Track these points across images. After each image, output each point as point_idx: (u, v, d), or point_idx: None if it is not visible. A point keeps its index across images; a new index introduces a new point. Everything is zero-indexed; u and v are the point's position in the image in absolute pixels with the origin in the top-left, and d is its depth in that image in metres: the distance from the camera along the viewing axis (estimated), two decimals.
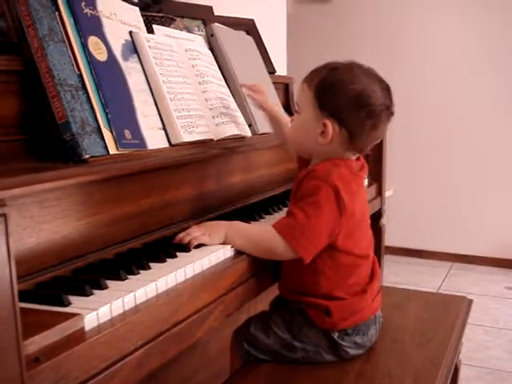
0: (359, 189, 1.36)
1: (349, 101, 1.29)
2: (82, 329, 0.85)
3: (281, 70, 3.09)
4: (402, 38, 4.23)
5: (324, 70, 1.34)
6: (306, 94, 1.34)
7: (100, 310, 0.88)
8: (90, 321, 0.86)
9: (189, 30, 2.01)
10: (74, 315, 0.84)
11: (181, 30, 1.92)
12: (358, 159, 1.40)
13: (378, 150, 2.27)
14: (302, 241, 1.25)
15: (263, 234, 1.29)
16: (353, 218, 1.30)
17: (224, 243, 1.26)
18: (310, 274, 1.32)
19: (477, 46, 4.04)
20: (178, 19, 1.96)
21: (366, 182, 1.46)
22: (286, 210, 1.63)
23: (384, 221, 2.36)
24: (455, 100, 4.13)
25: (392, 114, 1.35)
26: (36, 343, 0.77)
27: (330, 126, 1.30)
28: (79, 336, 0.83)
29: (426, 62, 4.17)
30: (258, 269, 1.29)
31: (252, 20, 2.35)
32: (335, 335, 1.33)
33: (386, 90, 1.34)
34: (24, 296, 0.90)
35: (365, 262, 1.38)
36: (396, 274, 3.83)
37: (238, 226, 1.32)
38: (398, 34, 4.23)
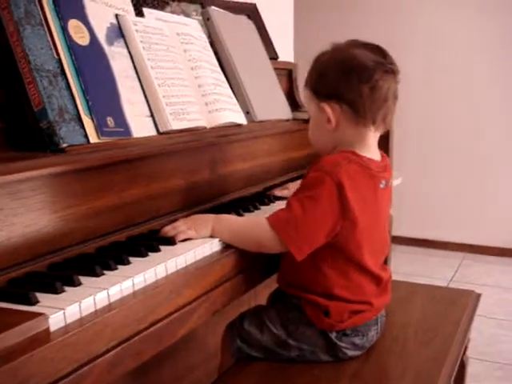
0: (373, 194, 1.24)
1: (336, 73, 1.24)
2: (47, 329, 0.79)
3: (288, 56, 3.02)
4: (415, 25, 4.11)
5: (312, 66, 1.32)
6: (307, 95, 1.32)
7: (67, 308, 0.82)
8: (56, 321, 0.80)
9: (186, 15, 1.95)
10: (38, 315, 0.79)
11: (178, 14, 1.86)
12: (382, 159, 1.32)
13: (385, 137, 2.19)
14: (296, 237, 1.17)
15: (254, 226, 1.22)
16: (358, 226, 1.20)
17: (211, 237, 1.19)
18: (310, 270, 1.25)
19: (489, 39, 3.93)
20: (175, 3, 1.90)
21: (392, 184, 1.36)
22: (285, 201, 1.56)
23: (391, 211, 2.28)
24: (466, 90, 4.02)
25: (389, 70, 1.23)
26: None
27: (328, 107, 1.25)
28: (44, 337, 0.77)
29: (438, 51, 4.06)
30: (248, 263, 1.22)
31: (254, 4, 2.28)
32: (333, 335, 1.27)
33: (376, 49, 1.26)
34: None
35: (372, 274, 1.29)
36: (407, 265, 3.75)
37: (226, 218, 1.26)
38: (410, 20, 4.12)
